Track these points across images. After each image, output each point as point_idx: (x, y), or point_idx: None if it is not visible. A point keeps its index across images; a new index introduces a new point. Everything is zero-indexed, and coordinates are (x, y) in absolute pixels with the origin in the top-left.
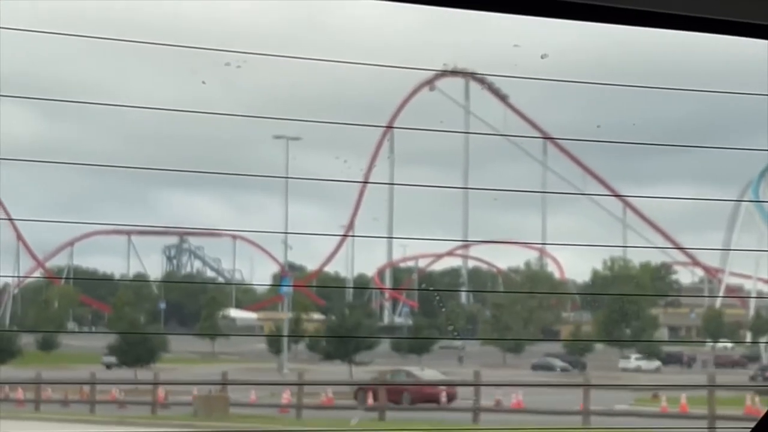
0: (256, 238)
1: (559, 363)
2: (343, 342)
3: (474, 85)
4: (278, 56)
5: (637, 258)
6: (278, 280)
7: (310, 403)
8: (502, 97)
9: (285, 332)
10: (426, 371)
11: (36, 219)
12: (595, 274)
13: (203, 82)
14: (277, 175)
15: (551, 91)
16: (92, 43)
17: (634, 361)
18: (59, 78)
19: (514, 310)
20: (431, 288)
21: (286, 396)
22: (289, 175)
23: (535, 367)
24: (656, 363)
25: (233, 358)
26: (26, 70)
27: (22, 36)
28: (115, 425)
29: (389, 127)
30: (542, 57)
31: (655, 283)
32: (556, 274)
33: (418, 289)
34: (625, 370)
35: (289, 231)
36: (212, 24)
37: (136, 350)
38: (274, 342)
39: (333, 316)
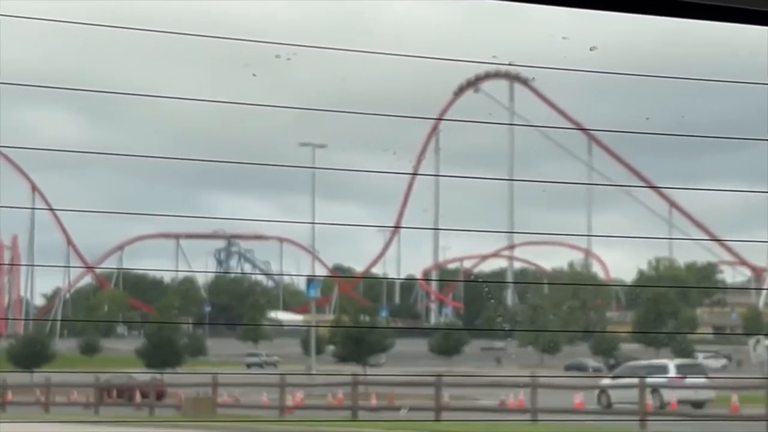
0: (302, 239)
1: (591, 363)
2: (356, 345)
3: (518, 87)
4: (328, 48)
5: (683, 257)
6: (329, 283)
7: (318, 404)
8: (547, 99)
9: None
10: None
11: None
12: (641, 274)
13: (254, 75)
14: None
15: (599, 84)
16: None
17: (702, 359)
18: (105, 77)
19: (553, 312)
20: (475, 281)
21: (299, 397)
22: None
23: (568, 368)
24: (723, 361)
25: (276, 361)
26: (69, 68)
27: (71, 35)
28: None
29: (439, 119)
30: (591, 49)
31: (701, 282)
32: (602, 275)
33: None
34: None
35: (330, 230)
36: (258, 21)
37: (162, 354)
38: (307, 345)
39: (346, 318)
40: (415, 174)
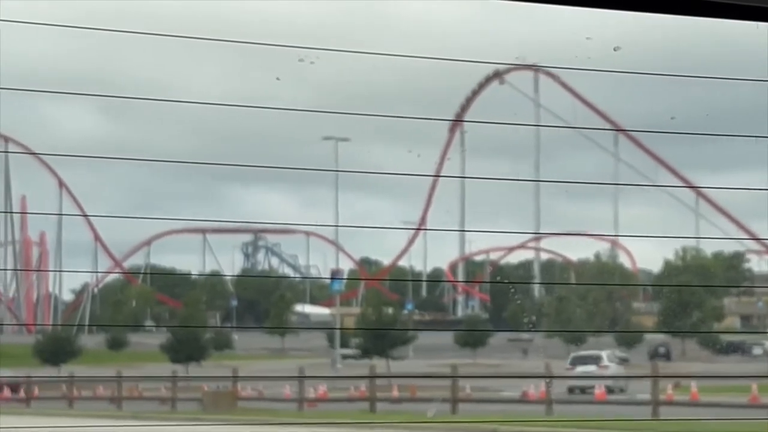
0: (328, 233)
1: (618, 354)
2: (379, 338)
3: (543, 78)
4: (352, 52)
5: (709, 248)
6: (355, 276)
7: (340, 396)
8: (573, 90)
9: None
10: None
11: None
12: (667, 264)
13: (277, 78)
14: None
15: (623, 83)
16: (166, 42)
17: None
18: (129, 76)
19: (579, 303)
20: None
21: (322, 390)
22: (359, 170)
23: None
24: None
25: (302, 354)
26: (94, 68)
27: (98, 35)
28: (130, 419)
29: (459, 120)
30: (615, 49)
31: (728, 272)
32: (628, 265)
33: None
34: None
35: (362, 225)
36: (280, 23)
37: (190, 347)
38: (333, 338)
39: (371, 311)
40: (438, 176)
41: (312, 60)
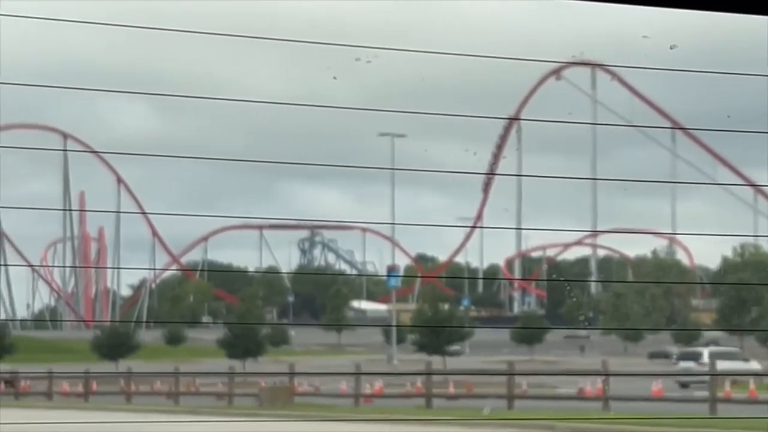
0: (384, 229)
1: (675, 351)
2: (435, 334)
3: (601, 74)
4: (409, 51)
5: None
6: (411, 272)
7: (396, 392)
8: (630, 87)
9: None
10: None
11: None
12: (725, 261)
13: (334, 78)
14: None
15: (680, 81)
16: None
17: None
18: (193, 75)
19: (636, 299)
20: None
21: (378, 386)
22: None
23: (652, 356)
24: None
25: (359, 350)
26: (166, 67)
27: (161, 36)
28: (188, 414)
29: (515, 118)
30: (671, 48)
31: None
32: (686, 262)
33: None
34: None
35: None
36: (336, 23)
37: (247, 343)
38: (390, 334)
39: (427, 307)
40: (492, 174)
41: (369, 59)
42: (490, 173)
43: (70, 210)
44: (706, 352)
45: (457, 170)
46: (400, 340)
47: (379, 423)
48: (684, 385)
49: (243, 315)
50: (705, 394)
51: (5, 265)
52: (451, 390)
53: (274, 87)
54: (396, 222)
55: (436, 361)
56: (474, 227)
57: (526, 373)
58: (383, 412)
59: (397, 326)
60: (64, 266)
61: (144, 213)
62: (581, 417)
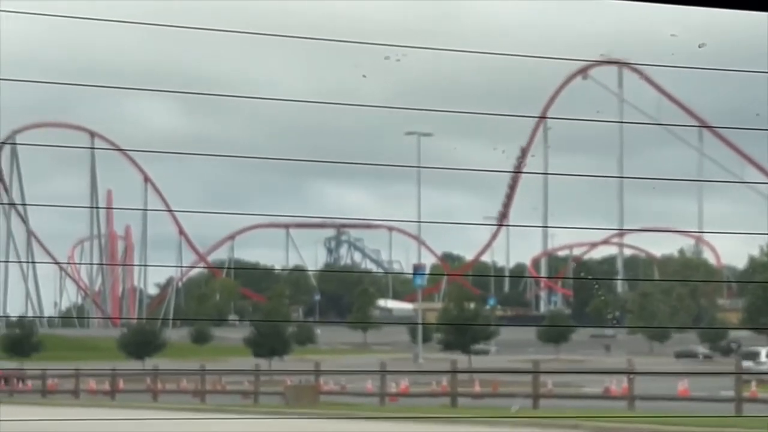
0: (411, 228)
1: (701, 350)
2: (461, 332)
3: (628, 73)
4: (438, 50)
5: None
6: (437, 271)
7: (422, 391)
8: (657, 86)
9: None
10: None
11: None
12: (752, 260)
13: (364, 76)
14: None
15: (708, 79)
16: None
17: None
18: (223, 73)
19: (662, 299)
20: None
21: (403, 385)
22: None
23: (679, 355)
24: None
25: (385, 349)
26: (180, 64)
27: (188, 35)
28: (212, 412)
29: (543, 117)
30: (699, 46)
31: None
32: (712, 261)
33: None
34: None
35: (438, 218)
36: (366, 22)
37: (273, 341)
38: (415, 333)
39: (452, 306)
40: (519, 172)
41: (398, 57)
42: (517, 171)
43: (98, 208)
44: (764, 352)
45: (483, 169)
46: (426, 339)
47: (405, 422)
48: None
49: (269, 313)
50: (731, 394)
51: (33, 262)
52: (477, 389)
53: (300, 85)
54: (422, 221)
55: (462, 360)
56: (500, 225)
57: (550, 371)
58: (408, 411)
59: (422, 324)
60: (91, 264)
61: (170, 210)
62: (605, 416)
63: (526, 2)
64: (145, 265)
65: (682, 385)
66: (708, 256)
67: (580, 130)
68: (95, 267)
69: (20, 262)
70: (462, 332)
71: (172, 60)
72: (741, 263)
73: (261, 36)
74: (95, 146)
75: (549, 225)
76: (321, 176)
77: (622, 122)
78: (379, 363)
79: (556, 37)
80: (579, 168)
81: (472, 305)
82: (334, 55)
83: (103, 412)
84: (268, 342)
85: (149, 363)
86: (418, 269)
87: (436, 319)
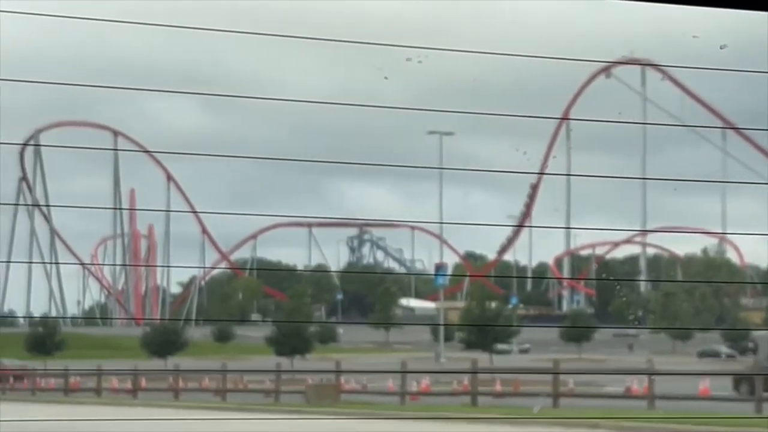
0: (433, 227)
1: (724, 350)
2: (483, 332)
3: (651, 72)
4: (460, 51)
5: None
6: (460, 270)
7: (443, 390)
8: (682, 86)
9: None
10: None
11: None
12: None
13: (385, 78)
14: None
15: (731, 80)
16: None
17: None
18: (234, 72)
19: (685, 298)
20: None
21: (425, 383)
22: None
23: (701, 355)
24: None
25: (406, 348)
26: (199, 64)
27: (209, 34)
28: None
29: (564, 118)
30: (721, 47)
31: None
32: (736, 260)
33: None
34: None
35: (460, 217)
36: (386, 20)
37: (295, 340)
38: (437, 332)
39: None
40: (542, 173)
41: (420, 59)
42: (540, 173)
43: (120, 209)
44: None
45: (506, 170)
46: (448, 338)
47: (425, 421)
48: None
49: (291, 313)
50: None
51: (56, 263)
52: (498, 388)
53: (321, 84)
54: (444, 221)
55: (484, 360)
56: (522, 226)
57: (571, 371)
58: (428, 410)
59: (443, 325)
60: (114, 264)
61: (194, 212)
62: (626, 416)
63: (549, 3)
64: (168, 266)
65: (703, 385)
66: (731, 255)
67: (602, 129)
68: (118, 266)
69: (44, 263)
70: (483, 331)
71: (194, 58)
72: (764, 263)
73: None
74: (118, 145)
75: (570, 227)
76: (344, 176)
77: (644, 123)
78: (400, 362)
79: (576, 37)
80: (602, 167)
81: (493, 304)
82: (359, 54)
83: (123, 410)
84: (290, 341)
85: (171, 362)
86: (439, 269)
87: (458, 318)
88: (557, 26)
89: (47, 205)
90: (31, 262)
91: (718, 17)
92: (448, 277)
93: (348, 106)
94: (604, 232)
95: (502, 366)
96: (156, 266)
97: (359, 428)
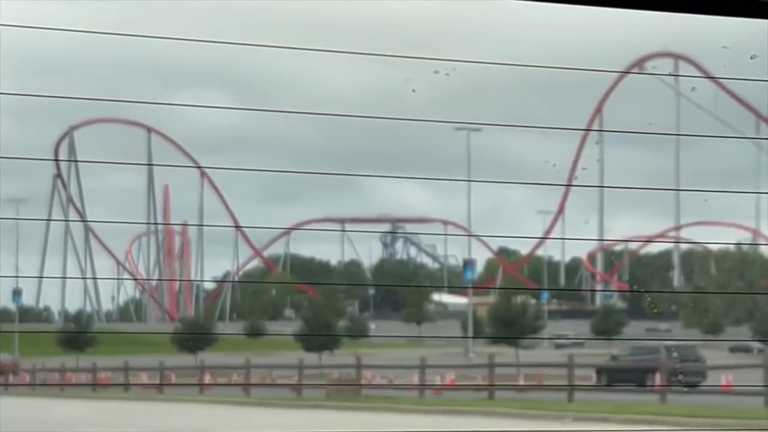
0: (466, 222)
1: (757, 345)
2: (509, 327)
3: (684, 65)
4: (488, 63)
5: None
6: (491, 266)
7: (468, 384)
8: (714, 78)
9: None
10: None
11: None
12: None
13: (413, 90)
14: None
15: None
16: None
17: None
18: (256, 64)
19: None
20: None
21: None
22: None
23: (733, 349)
24: None
25: (437, 343)
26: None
27: (241, 31)
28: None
29: (590, 129)
30: (751, 58)
31: None
32: None
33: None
34: None
35: (492, 212)
36: (409, 17)
37: (321, 338)
38: (467, 328)
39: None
40: (571, 185)
41: (447, 72)
42: (569, 185)
43: (154, 205)
44: None
45: (537, 182)
46: (479, 333)
47: (444, 414)
48: None
49: (323, 308)
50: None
51: (91, 259)
52: (521, 382)
53: (358, 82)
54: (473, 216)
55: (509, 354)
56: (555, 221)
57: (584, 365)
58: (447, 404)
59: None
60: (148, 262)
61: (230, 213)
62: (636, 411)
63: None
64: (201, 269)
65: (726, 379)
66: (766, 250)
67: (635, 123)
68: (152, 262)
69: (79, 262)
70: (509, 326)
71: (229, 55)
72: None
73: (324, 34)
74: (151, 142)
75: (604, 222)
76: (375, 169)
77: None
78: (430, 357)
79: (609, 40)
80: (635, 160)
81: (519, 300)
82: (390, 58)
83: (150, 406)
84: (319, 336)
85: (201, 357)
86: (467, 264)
87: (487, 314)
88: (593, 28)
89: (80, 205)
90: (65, 259)
91: (747, 26)
92: (477, 272)
93: (379, 105)
94: (639, 227)
95: (522, 361)
96: (187, 267)
97: (379, 420)
